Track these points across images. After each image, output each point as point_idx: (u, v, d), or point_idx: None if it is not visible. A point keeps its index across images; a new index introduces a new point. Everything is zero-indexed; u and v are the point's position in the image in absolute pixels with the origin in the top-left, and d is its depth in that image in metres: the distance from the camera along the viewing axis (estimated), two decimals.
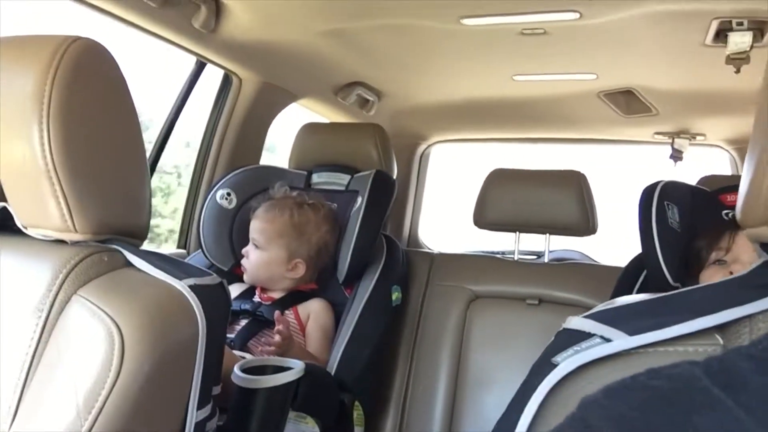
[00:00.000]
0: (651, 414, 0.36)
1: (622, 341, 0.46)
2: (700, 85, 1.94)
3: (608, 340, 0.46)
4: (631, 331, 0.46)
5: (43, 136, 0.69)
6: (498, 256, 1.95)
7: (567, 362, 0.46)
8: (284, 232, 1.56)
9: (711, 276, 1.23)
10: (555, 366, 0.47)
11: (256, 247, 1.57)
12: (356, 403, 1.48)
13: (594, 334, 0.48)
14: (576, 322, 0.51)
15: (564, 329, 0.52)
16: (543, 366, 0.48)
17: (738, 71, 1.59)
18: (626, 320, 0.48)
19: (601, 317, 0.50)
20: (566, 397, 0.46)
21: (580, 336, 0.48)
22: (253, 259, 1.57)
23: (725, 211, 1.39)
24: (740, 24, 1.48)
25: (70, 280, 0.72)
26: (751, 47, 1.50)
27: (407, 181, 2.76)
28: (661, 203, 1.31)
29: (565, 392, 0.46)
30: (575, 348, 0.47)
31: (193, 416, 0.76)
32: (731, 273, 1.17)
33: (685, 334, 0.45)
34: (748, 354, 0.39)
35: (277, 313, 1.42)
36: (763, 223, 0.45)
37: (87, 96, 0.74)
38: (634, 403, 0.37)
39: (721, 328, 0.46)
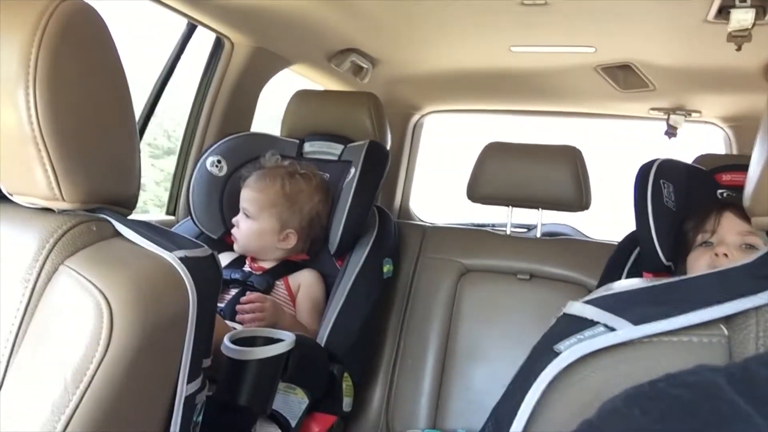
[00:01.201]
0: (674, 426, 0.35)
1: (626, 331, 0.45)
2: (699, 62, 1.92)
3: (612, 329, 0.45)
4: (636, 320, 0.45)
5: (30, 101, 0.67)
6: (489, 229, 1.94)
7: (570, 351, 0.45)
8: (276, 202, 1.54)
9: (697, 258, 1.23)
10: (557, 354, 0.46)
11: (247, 216, 1.55)
12: (346, 374, 1.48)
13: (597, 322, 0.47)
14: (577, 308, 0.50)
15: (565, 314, 0.51)
16: (545, 352, 0.47)
17: (739, 49, 1.57)
18: (630, 308, 0.47)
19: (604, 304, 0.48)
20: (568, 385, 0.45)
21: (583, 323, 0.47)
22: (243, 228, 1.55)
23: (720, 191, 1.39)
24: (743, 0, 1.45)
25: (57, 250, 0.70)
26: (753, 25, 1.48)
27: (400, 151, 2.73)
28: (657, 181, 1.30)
29: (567, 380, 0.45)
30: (578, 336, 0.46)
31: (183, 390, 0.75)
32: (716, 255, 1.18)
33: (690, 325, 0.45)
34: None
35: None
36: None
37: (75, 59, 0.71)
38: (656, 414, 0.36)
39: (726, 319, 0.45)
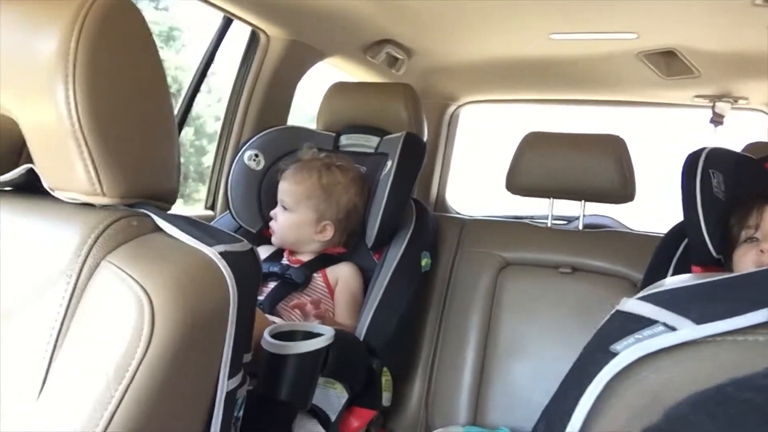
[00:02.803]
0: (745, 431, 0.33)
1: (688, 330, 0.42)
2: (746, 47, 1.85)
3: (672, 328, 0.43)
4: (697, 319, 0.42)
5: (69, 96, 0.67)
6: (528, 221, 1.91)
7: (628, 351, 0.43)
8: (312, 194, 1.54)
9: (743, 255, 1.19)
10: (614, 354, 0.44)
11: (285, 209, 1.56)
12: (384, 368, 1.47)
13: (656, 321, 0.44)
14: (632, 305, 0.47)
15: (618, 311, 0.49)
16: (600, 352, 0.45)
17: None
18: (689, 306, 0.44)
19: (661, 300, 0.46)
20: (625, 388, 0.43)
21: (640, 321, 0.45)
22: (281, 221, 1.56)
23: None
24: None
25: (99, 245, 0.70)
26: None
27: (436, 143, 2.70)
28: (706, 171, 1.26)
29: (624, 382, 0.43)
30: (636, 336, 0.44)
31: (224, 385, 0.74)
32: (762, 252, 1.14)
33: (755, 324, 0.42)
34: None
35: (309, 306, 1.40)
36: None
37: (113, 54, 0.71)
38: (727, 421, 0.34)
39: None
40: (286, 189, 1.57)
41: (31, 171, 0.77)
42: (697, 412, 0.35)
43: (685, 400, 0.36)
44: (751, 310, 0.42)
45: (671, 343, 0.42)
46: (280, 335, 1.10)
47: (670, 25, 1.77)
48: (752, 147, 1.50)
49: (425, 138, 1.76)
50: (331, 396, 1.27)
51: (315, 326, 1.15)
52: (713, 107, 2.33)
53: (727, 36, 1.79)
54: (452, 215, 2.50)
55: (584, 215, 1.82)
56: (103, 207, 0.74)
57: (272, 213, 1.59)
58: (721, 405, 0.35)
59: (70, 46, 0.66)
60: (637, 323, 0.45)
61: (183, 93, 1.89)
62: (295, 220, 1.55)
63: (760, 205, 1.19)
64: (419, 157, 1.64)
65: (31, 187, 0.79)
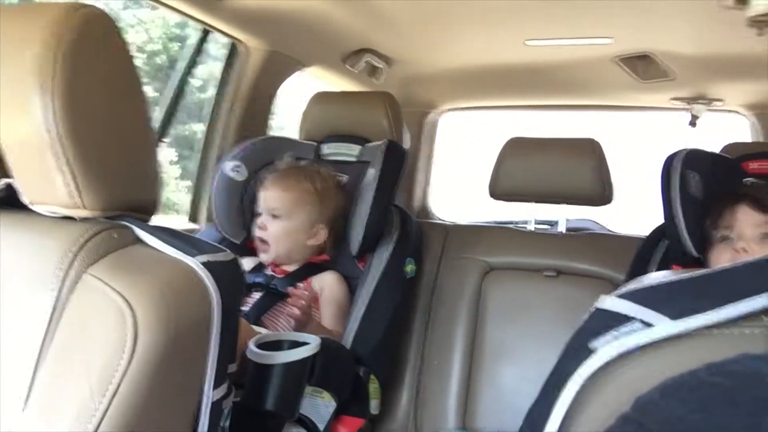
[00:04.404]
0: (714, 415, 0.33)
1: (664, 326, 0.43)
2: (720, 49, 1.88)
3: (649, 325, 0.44)
4: (674, 315, 0.43)
5: (48, 109, 0.66)
6: (511, 226, 1.92)
7: (606, 349, 0.44)
8: (305, 199, 1.55)
9: (719, 254, 1.22)
10: (592, 351, 0.44)
11: (275, 217, 1.54)
12: (372, 376, 1.47)
13: (633, 317, 0.45)
14: (610, 302, 0.48)
15: (597, 309, 0.50)
16: (578, 350, 0.46)
17: (761, 34, 1.54)
18: (666, 302, 0.45)
19: (638, 297, 0.47)
20: (604, 384, 0.44)
21: (618, 318, 0.46)
22: (273, 230, 1.54)
23: (747, 179, 1.36)
24: None
25: (80, 258, 0.70)
26: None
27: (417, 150, 2.72)
28: (684, 171, 1.28)
29: (603, 379, 0.44)
30: (614, 333, 0.44)
31: (209, 396, 0.74)
32: (736, 251, 1.16)
33: (730, 318, 0.43)
34: None
35: (290, 289, 1.40)
36: None
37: (92, 66, 0.71)
38: (695, 403, 0.34)
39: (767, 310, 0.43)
40: (275, 196, 1.55)
41: (9, 186, 0.77)
42: (666, 397, 0.36)
43: (656, 387, 0.37)
44: (726, 305, 0.43)
45: (648, 339, 0.43)
46: (266, 345, 1.09)
47: (645, 29, 1.79)
48: (730, 147, 1.52)
49: (407, 146, 1.77)
50: (319, 405, 1.26)
51: (301, 335, 1.15)
52: (690, 109, 2.36)
53: (701, 39, 1.82)
54: (436, 221, 2.51)
55: (567, 219, 1.83)
56: (84, 220, 0.74)
57: (259, 223, 1.56)
58: (691, 389, 0.36)
59: (48, 59, 0.66)
60: (614, 320, 0.46)
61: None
62: (290, 227, 1.54)
63: (732, 205, 1.21)
64: (401, 165, 1.64)
65: (10, 203, 0.78)
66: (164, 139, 1.91)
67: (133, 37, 2.91)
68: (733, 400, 0.34)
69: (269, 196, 1.56)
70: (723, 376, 0.36)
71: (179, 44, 1.87)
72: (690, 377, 0.37)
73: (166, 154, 2.36)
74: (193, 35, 1.95)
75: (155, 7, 1.67)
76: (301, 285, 1.51)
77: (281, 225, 1.54)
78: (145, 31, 2.93)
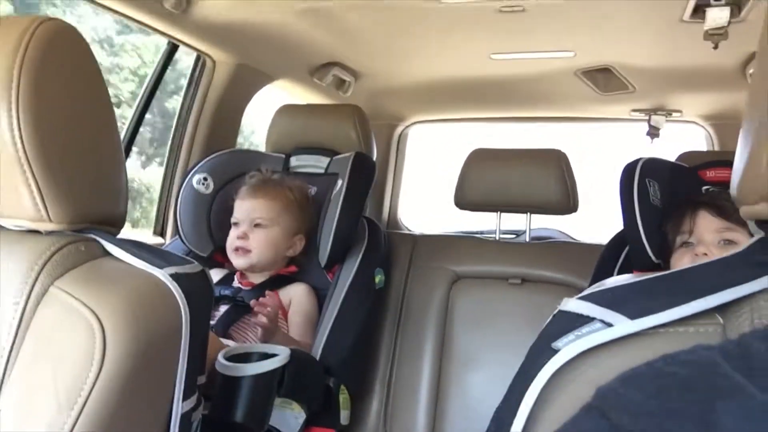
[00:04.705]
0: (670, 401, 0.35)
1: (623, 326, 0.45)
2: (677, 62, 1.94)
3: (609, 324, 0.45)
4: (632, 314, 0.45)
5: (12, 122, 0.66)
6: (478, 236, 1.94)
7: (568, 348, 0.45)
8: (288, 207, 1.57)
9: (679, 258, 1.24)
10: (555, 351, 0.46)
11: (258, 226, 1.54)
12: (342, 386, 1.47)
13: (594, 318, 0.47)
14: (573, 305, 0.50)
15: (560, 311, 0.51)
16: (542, 350, 0.47)
17: (716, 47, 1.59)
18: (625, 302, 0.47)
19: (599, 299, 0.49)
20: (567, 382, 0.45)
21: (579, 319, 0.47)
22: (257, 239, 1.53)
23: (705, 187, 1.40)
24: None
25: (46, 271, 0.69)
26: (729, 23, 1.50)
27: (386, 162, 2.74)
28: (643, 180, 1.31)
29: (566, 377, 0.45)
30: (576, 333, 0.46)
31: (179, 408, 0.74)
32: (696, 255, 1.19)
33: (686, 316, 0.45)
34: (765, 336, 0.39)
35: (253, 302, 1.40)
36: (762, 200, 0.44)
37: (57, 79, 0.71)
38: (652, 391, 0.36)
39: (721, 308, 0.45)
40: (260, 206, 1.55)
41: None
42: (626, 386, 0.38)
43: (616, 377, 0.39)
44: (680, 304, 0.45)
45: (608, 338, 0.45)
46: (235, 357, 1.09)
47: (605, 43, 1.84)
48: (686, 156, 1.57)
49: (375, 157, 1.79)
50: (288, 416, 1.26)
51: (270, 347, 1.15)
52: (649, 120, 2.43)
53: (659, 52, 1.88)
54: (404, 232, 2.52)
55: (531, 228, 1.87)
56: (50, 233, 0.73)
57: (239, 234, 1.54)
58: (648, 377, 0.38)
59: (13, 72, 0.66)
60: (576, 321, 0.48)
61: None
62: (275, 236, 1.54)
63: (692, 211, 1.25)
64: (369, 176, 1.66)
65: None
66: (131, 152, 1.89)
67: (128, 62, 2.96)
68: (689, 388, 0.36)
69: (253, 205, 1.55)
70: (679, 365, 0.38)
71: (171, 68, 1.87)
72: (648, 368, 0.38)
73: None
74: (185, 59, 1.96)
75: (148, 32, 1.68)
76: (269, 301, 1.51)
77: (264, 234, 1.54)
78: (138, 56, 2.97)
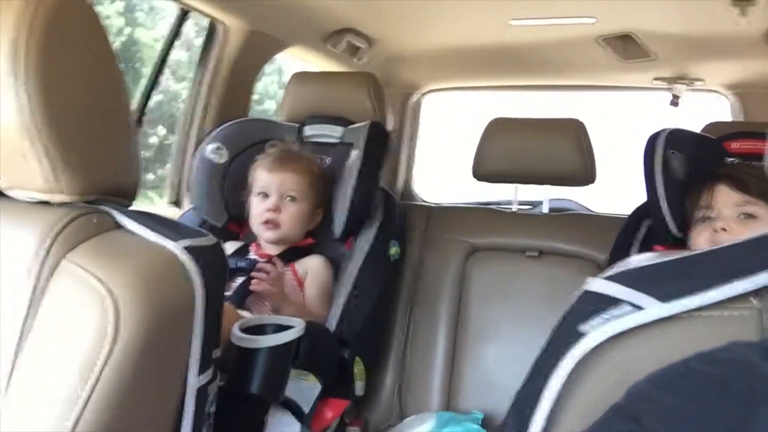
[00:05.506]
0: (706, 405, 0.33)
1: (655, 309, 0.43)
2: (701, 29, 1.89)
3: (639, 307, 0.43)
4: (663, 296, 0.43)
5: (22, 93, 0.65)
6: (495, 207, 1.92)
7: (597, 332, 0.43)
8: (314, 182, 1.56)
9: (699, 234, 1.22)
10: (582, 335, 0.44)
11: (293, 199, 1.53)
12: (357, 358, 1.47)
13: (622, 300, 0.45)
14: (599, 285, 0.48)
15: (586, 292, 0.49)
16: (568, 333, 0.46)
17: (743, 14, 1.54)
18: (655, 284, 0.45)
19: (627, 280, 0.46)
20: (594, 366, 0.44)
21: (607, 301, 0.45)
22: (291, 213, 1.52)
23: (729, 159, 1.37)
24: None
25: (58, 244, 0.68)
26: None
27: (400, 132, 2.70)
28: (666, 151, 1.28)
29: (593, 362, 0.44)
30: (604, 316, 0.44)
31: (194, 382, 0.73)
32: (716, 231, 1.16)
33: (720, 300, 0.43)
34: None
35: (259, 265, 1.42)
36: None
37: (67, 49, 0.69)
38: (687, 393, 0.34)
39: (756, 291, 0.43)
40: (290, 179, 1.52)
41: None
42: (659, 387, 0.36)
43: (648, 377, 0.37)
44: (715, 287, 0.43)
45: (639, 322, 0.43)
46: (251, 329, 1.09)
47: (627, 9, 1.79)
48: (712, 126, 1.53)
49: (390, 127, 1.76)
50: (304, 388, 1.26)
51: (285, 318, 1.14)
52: (671, 89, 2.37)
53: (682, 19, 1.83)
54: (419, 203, 2.50)
55: (549, 199, 1.84)
56: (61, 205, 0.72)
57: (271, 206, 1.51)
58: (682, 378, 0.36)
59: (22, 42, 0.64)
60: (604, 303, 0.45)
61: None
62: (303, 210, 1.54)
63: (711, 185, 1.22)
64: (384, 146, 1.63)
65: None
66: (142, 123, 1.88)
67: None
68: (724, 390, 0.33)
69: (283, 179, 1.53)
70: (714, 364, 0.35)
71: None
72: (681, 366, 0.36)
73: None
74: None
75: None
76: (286, 269, 1.51)
77: (296, 208, 1.53)
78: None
